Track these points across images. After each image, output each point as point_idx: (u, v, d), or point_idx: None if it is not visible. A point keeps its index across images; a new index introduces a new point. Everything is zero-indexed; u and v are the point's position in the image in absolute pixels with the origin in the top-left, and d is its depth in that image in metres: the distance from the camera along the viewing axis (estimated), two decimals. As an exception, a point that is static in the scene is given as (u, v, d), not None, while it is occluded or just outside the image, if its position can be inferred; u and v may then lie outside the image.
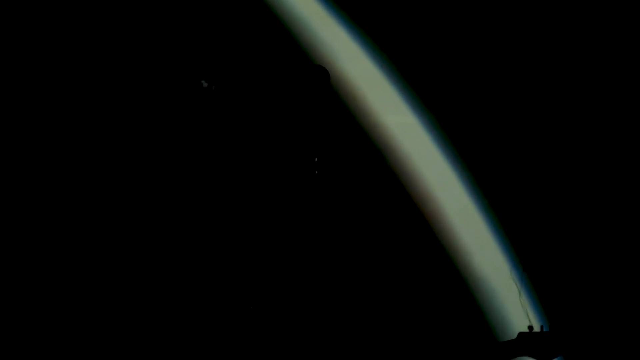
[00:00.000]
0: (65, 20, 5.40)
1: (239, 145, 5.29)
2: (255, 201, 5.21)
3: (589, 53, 5.60)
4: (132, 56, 5.41)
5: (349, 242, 5.24)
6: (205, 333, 5.06)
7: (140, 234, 5.19)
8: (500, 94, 5.58)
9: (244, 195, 5.22)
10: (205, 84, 5.23)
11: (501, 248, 5.42)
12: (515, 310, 5.29)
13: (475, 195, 5.49)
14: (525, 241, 5.39)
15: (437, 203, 5.47)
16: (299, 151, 5.19)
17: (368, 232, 5.30)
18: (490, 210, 5.46)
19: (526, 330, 4.47)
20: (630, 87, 5.56)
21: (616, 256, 5.37)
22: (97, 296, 5.09)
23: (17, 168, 5.21)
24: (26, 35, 5.36)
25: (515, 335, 4.49)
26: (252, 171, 5.24)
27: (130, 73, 5.39)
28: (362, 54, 5.59)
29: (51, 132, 5.29)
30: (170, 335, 5.06)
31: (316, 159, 5.17)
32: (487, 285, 5.36)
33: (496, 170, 5.49)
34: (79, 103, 5.33)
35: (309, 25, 5.57)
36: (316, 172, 5.16)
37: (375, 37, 5.59)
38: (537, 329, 4.49)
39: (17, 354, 4.95)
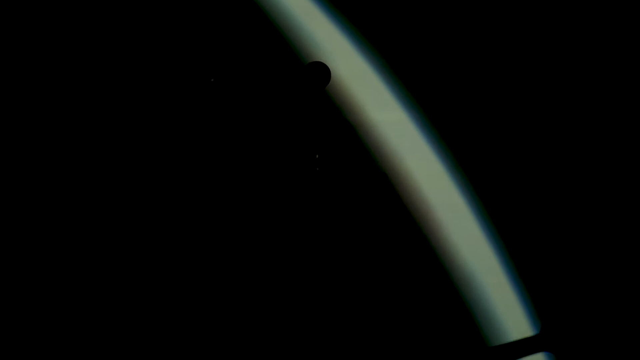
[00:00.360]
0: (66, 20, 5.39)
1: (239, 142, 5.26)
2: (256, 198, 5.18)
3: (577, 48, 5.63)
4: (122, 56, 5.40)
5: (340, 241, 5.22)
6: (205, 333, 5.03)
7: (140, 232, 5.18)
8: (491, 89, 5.58)
9: (244, 192, 5.20)
10: (212, 80, 5.21)
11: (493, 247, 5.42)
12: (506, 310, 5.29)
13: (467, 192, 5.49)
14: (518, 240, 5.39)
15: (427, 201, 5.46)
16: (301, 148, 5.17)
17: (358, 231, 5.28)
18: (482, 208, 5.46)
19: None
20: (615, 85, 5.60)
21: (613, 257, 5.39)
22: (97, 296, 5.08)
23: (17, 168, 5.19)
24: (27, 35, 5.35)
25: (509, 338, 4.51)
26: (253, 168, 5.21)
27: (122, 73, 5.37)
28: (352, 50, 5.58)
29: (53, 129, 5.28)
30: (170, 335, 5.05)
31: (317, 156, 5.14)
32: (478, 285, 5.35)
33: (488, 167, 5.49)
34: (75, 103, 5.32)
35: (297, 21, 5.54)
36: (317, 169, 5.13)
37: (366, 32, 5.58)
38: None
39: (17, 354, 4.93)
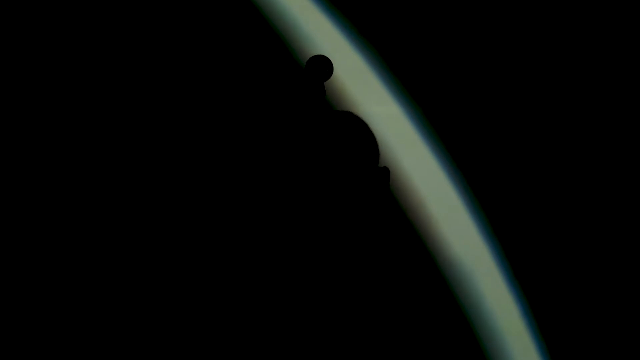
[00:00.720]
0: (67, 22, 5.40)
1: (239, 144, 5.25)
2: (255, 200, 5.17)
3: (575, 45, 5.67)
4: (121, 57, 5.41)
5: (333, 240, 5.21)
6: (205, 333, 5.06)
7: (141, 234, 5.19)
8: (486, 86, 5.61)
9: (244, 194, 5.18)
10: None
11: (488, 244, 5.44)
12: (499, 310, 5.31)
13: (461, 187, 5.50)
14: (514, 238, 5.41)
15: (422, 197, 5.47)
16: (300, 148, 5.17)
17: (352, 229, 5.27)
18: (477, 204, 5.47)
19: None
20: (614, 85, 5.64)
21: (613, 260, 5.44)
22: (97, 296, 5.09)
23: (17, 168, 5.20)
24: (27, 35, 5.35)
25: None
26: (252, 169, 5.19)
27: (121, 73, 5.38)
28: (348, 46, 5.58)
29: (55, 132, 5.28)
30: (170, 336, 5.07)
31: (317, 154, 5.14)
32: (471, 283, 5.36)
33: (484, 162, 5.51)
34: (76, 105, 5.34)
35: (293, 16, 5.53)
36: (317, 166, 5.14)
37: (361, 28, 5.57)
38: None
39: (17, 354, 4.95)
